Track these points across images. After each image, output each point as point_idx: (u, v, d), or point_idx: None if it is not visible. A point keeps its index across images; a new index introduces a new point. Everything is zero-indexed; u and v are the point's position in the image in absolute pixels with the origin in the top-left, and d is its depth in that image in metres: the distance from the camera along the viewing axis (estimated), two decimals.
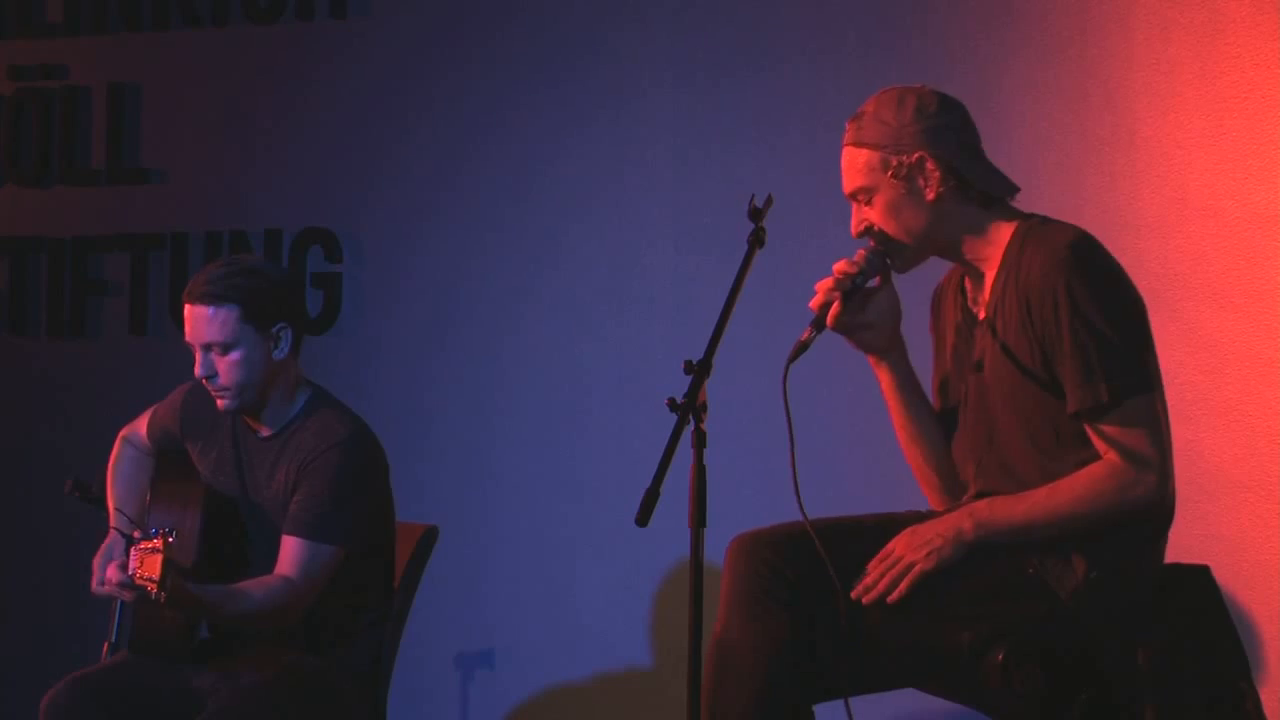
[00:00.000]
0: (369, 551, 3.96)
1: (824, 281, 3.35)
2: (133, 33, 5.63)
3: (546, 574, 5.12)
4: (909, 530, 3.28)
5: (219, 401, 3.92)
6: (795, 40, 4.93)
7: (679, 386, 3.12)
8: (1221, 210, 4.45)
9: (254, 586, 3.79)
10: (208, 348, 3.88)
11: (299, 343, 3.96)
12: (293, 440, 3.93)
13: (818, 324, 3.31)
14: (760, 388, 4.73)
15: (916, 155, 3.31)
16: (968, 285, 3.43)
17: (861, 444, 4.61)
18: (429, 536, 4.18)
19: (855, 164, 3.36)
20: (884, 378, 3.47)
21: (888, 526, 3.33)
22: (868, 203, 3.36)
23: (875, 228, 3.36)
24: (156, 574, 3.48)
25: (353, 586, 3.93)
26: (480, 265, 5.23)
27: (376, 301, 5.36)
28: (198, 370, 3.89)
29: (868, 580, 3.25)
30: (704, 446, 3.10)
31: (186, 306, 3.90)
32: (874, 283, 3.37)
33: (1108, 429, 3.21)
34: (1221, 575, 3.42)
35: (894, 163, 3.32)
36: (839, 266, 3.35)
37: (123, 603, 3.89)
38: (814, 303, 3.34)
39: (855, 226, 3.39)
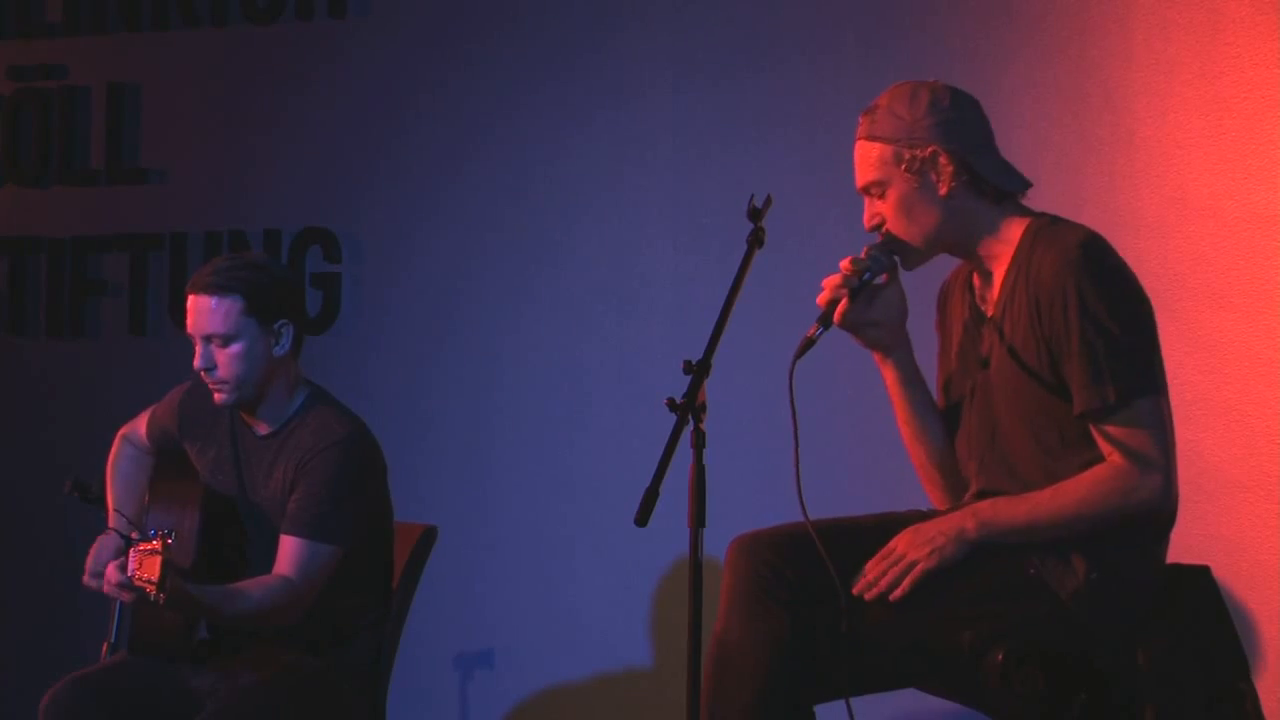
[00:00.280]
0: (368, 551, 3.96)
1: (831, 278, 3.34)
2: (132, 33, 5.63)
3: (546, 574, 5.12)
4: (911, 529, 3.28)
5: (216, 395, 3.91)
6: (795, 40, 4.93)
7: (678, 386, 3.12)
8: (1221, 210, 4.45)
9: (252, 586, 3.79)
10: (208, 339, 3.87)
11: (300, 341, 3.96)
12: (291, 439, 3.93)
13: (824, 320, 3.30)
14: (760, 388, 4.74)
15: (930, 150, 3.30)
16: (976, 282, 3.42)
17: (862, 443, 4.61)
18: (428, 536, 4.17)
19: (868, 158, 3.35)
20: (889, 375, 3.46)
21: (889, 526, 3.32)
22: (880, 197, 3.35)
23: (887, 222, 3.35)
24: (155, 576, 3.48)
25: (352, 586, 3.93)
26: (479, 265, 5.23)
27: (375, 301, 5.36)
28: (197, 362, 3.89)
29: (869, 577, 3.24)
30: (703, 446, 3.10)
31: (190, 297, 3.90)
32: (881, 279, 3.36)
33: (1113, 431, 3.21)
34: (1221, 575, 3.42)
35: (907, 157, 3.31)
36: (846, 263, 3.35)
37: (122, 603, 3.89)
38: (821, 299, 3.33)
39: (868, 220, 3.38)
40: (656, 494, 3.05)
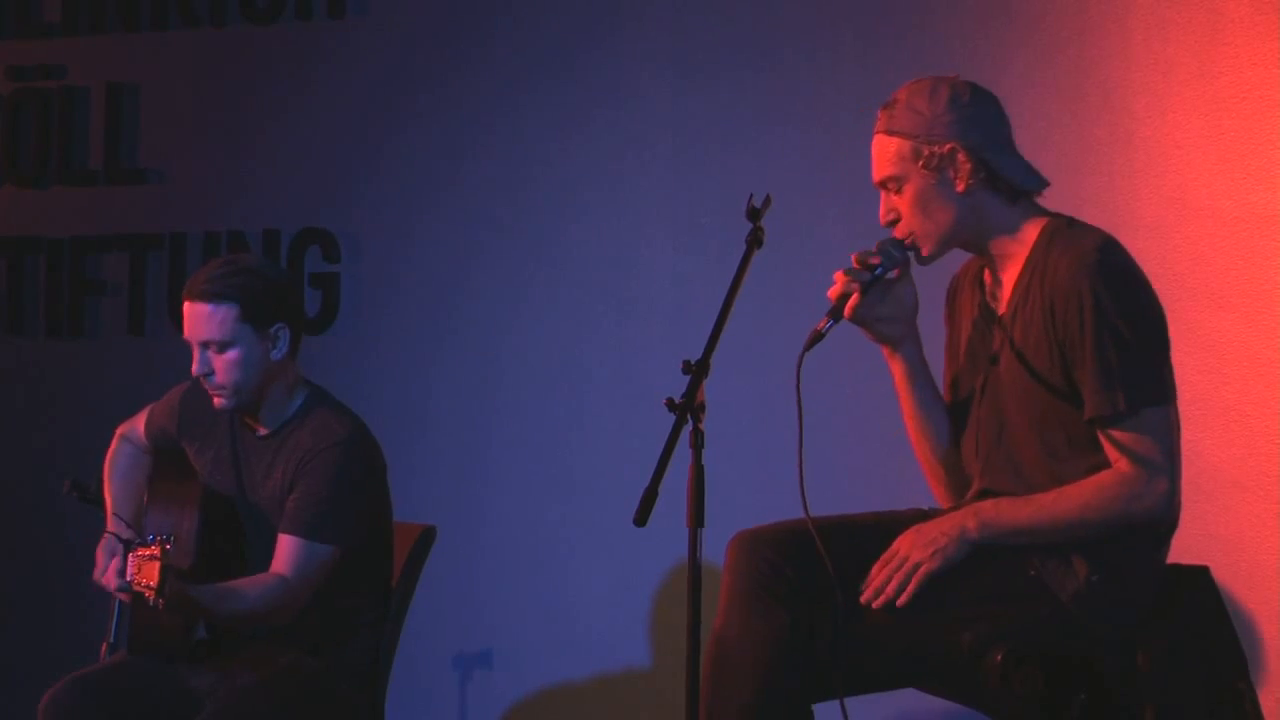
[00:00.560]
0: (366, 551, 3.96)
1: (843, 271, 3.34)
2: (131, 33, 5.62)
3: (544, 574, 5.12)
4: (913, 530, 3.28)
5: (216, 400, 3.92)
6: (794, 40, 4.93)
7: (677, 386, 3.12)
8: (1220, 210, 4.45)
9: (249, 585, 3.79)
10: (205, 345, 3.88)
11: (297, 342, 3.96)
12: (290, 439, 3.93)
13: (835, 314, 3.29)
14: (759, 388, 4.75)
15: (948, 146, 3.29)
16: (987, 278, 3.42)
17: (862, 441, 4.61)
18: (427, 536, 4.17)
19: (886, 152, 3.34)
20: (897, 369, 3.45)
21: (889, 525, 3.32)
22: (897, 191, 3.34)
23: (902, 217, 3.34)
24: (154, 581, 3.48)
25: (350, 587, 3.93)
26: (478, 265, 5.23)
27: (374, 302, 5.36)
28: (195, 368, 3.90)
29: (875, 584, 3.24)
30: (702, 446, 3.10)
31: (185, 304, 3.91)
32: (893, 274, 3.34)
33: (1121, 437, 3.20)
34: (1220, 575, 3.42)
35: (925, 152, 3.30)
36: (859, 256, 3.34)
37: (121, 603, 3.89)
38: (832, 292, 3.32)
39: (883, 215, 3.37)
40: (655, 494, 3.05)
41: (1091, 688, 3.22)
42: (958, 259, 3.48)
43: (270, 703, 3.79)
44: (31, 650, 5.49)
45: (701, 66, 5.02)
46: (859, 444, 4.64)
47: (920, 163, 3.30)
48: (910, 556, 3.24)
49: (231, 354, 3.87)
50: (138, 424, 4.17)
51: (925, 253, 3.35)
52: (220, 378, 3.88)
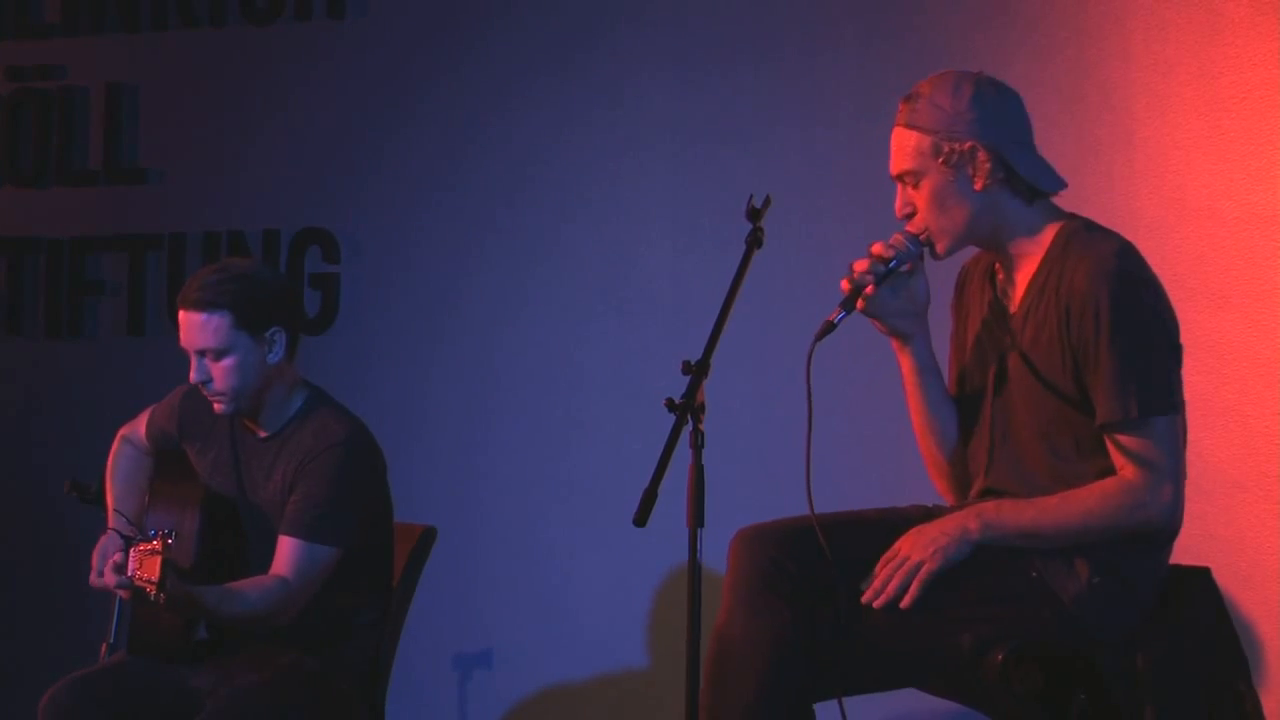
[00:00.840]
0: (367, 552, 3.96)
1: (859, 263, 3.33)
2: (130, 33, 5.62)
3: (544, 574, 5.12)
4: (914, 530, 3.27)
5: (216, 406, 3.93)
6: (793, 39, 4.93)
7: (677, 387, 3.12)
8: (1220, 211, 4.45)
9: (249, 586, 3.79)
10: (202, 353, 3.88)
11: (294, 345, 3.96)
12: (291, 441, 3.93)
13: (847, 304, 3.28)
14: (759, 388, 4.75)
15: (969, 144, 3.28)
16: (999, 274, 3.41)
17: (862, 440, 4.60)
18: (427, 537, 4.17)
19: (905, 146, 3.33)
20: (906, 363, 3.44)
21: (893, 521, 3.32)
22: (914, 186, 3.33)
23: (918, 212, 3.33)
24: (156, 576, 3.48)
25: (350, 587, 3.93)
26: (478, 265, 5.23)
27: (374, 302, 5.36)
28: (193, 376, 3.90)
29: (876, 584, 3.23)
30: (702, 447, 3.10)
31: (180, 312, 3.91)
32: (906, 268, 3.34)
33: (1129, 444, 3.20)
34: (1220, 575, 3.42)
35: (946, 149, 3.29)
36: (875, 249, 3.33)
37: (121, 603, 3.89)
38: (846, 282, 3.32)
39: (899, 209, 3.36)
40: (655, 494, 3.05)
41: (1091, 687, 3.22)
42: (966, 251, 3.47)
43: (270, 703, 3.79)
44: (31, 650, 5.49)
45: (701, 66, 5.02)
46: (860, 440, 4.63)
47: (940, 159, 3.29)
48: (911, 556, 3.23)
49: (228, 361, 3.87)
50: (139, 426, 4.17)
51: (940, 248, 3.34)
52: (218, 384, 3.88)
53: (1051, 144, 4.58)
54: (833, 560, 3.20)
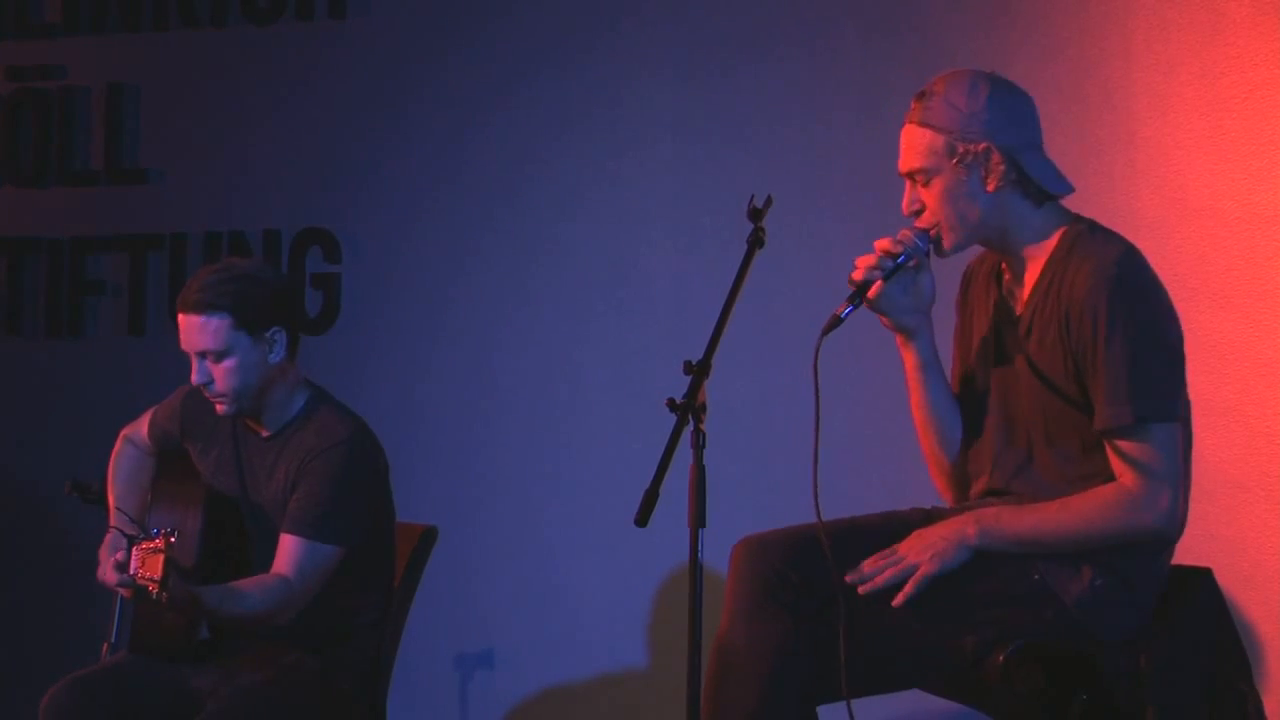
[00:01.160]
0: (368, 552, 3.96)
1: (866, 258, 3.32)
2: (131, 33, 5.62)
3: (545, 574, 5.12)
4: (915, 534, 3.27)
5: (218, 407, 3.93)
6: (794, 39, 4.92)
7: (678, 387, 3.12)
8: (1221, 210, 4.45)
9: (251, 585, 3.80)
10: (202, 355, 3.88)
11: (295, 344, 3.96)
12: (293, 440, 3.93)
13: (855, 299, 3.28)
14: (760, 388, 4.75)
15: (983, 146, 3.27)
16: (1005, 274, 3.41)
17: (863, 440, 4.60)
18: (428, 537, 4.18)
19: (918, 144, 3.32)
20: (909, 359, 3.44)
21: (895, 526, 3.32)
22: (925, 184, 3.32)
23: (927, 210, 3.32)
24: (158, 574, 3.48)
25: (352, 586, 3.93)
26: (479, 265, 5.23)
27: (375, 302, 5.35)
28: (194, 378, 3.90)
29: (865, 572, 3.23)
30: (703, 447, 3.10)
31: (180, 315, 3.91)
32: (912, 263, 3.33)
33: (1127, 452, 3.20)
34: (1221, 576, 3.42)
35: (960, 150, 3.28)
36: (882, 244, 3.32)
37: (122, 603, 3.89)
38: (854, 277, 3.31)
39: (907, 205, 3.35)
40: (656, 494, 3.05)
41: (1093, 688, 3.21)
42: (970, 251, 3.47)
43: (272, 702, 3.79)
44: (31, 650, 5.49)
45: (702, 65, 5.02)
46: (861, 439, 4.62)
47: (954, 159, 3.28)
48: (908, 558, 3.24)
49: (228, 362, 3.87)
50: (141, 426, 4.18)
51: (947, 245, 3.33)
52: (220, 386, 3.89)
53: (1053, 143, 4.57)
54: (835, 569, 3.20)
